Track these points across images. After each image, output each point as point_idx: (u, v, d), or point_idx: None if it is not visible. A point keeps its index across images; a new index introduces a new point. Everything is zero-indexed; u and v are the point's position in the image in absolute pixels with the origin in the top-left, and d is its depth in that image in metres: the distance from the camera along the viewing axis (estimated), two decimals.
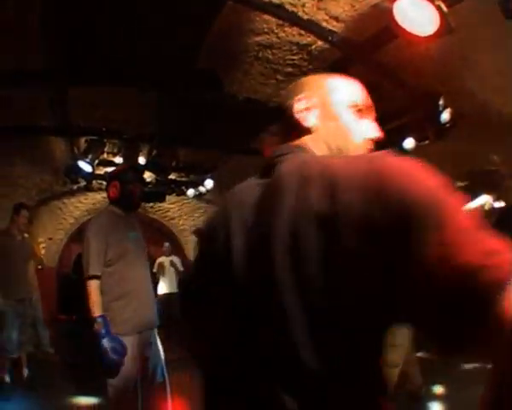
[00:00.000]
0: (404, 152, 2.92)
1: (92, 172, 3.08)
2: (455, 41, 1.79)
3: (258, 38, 2.43)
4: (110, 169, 3.51)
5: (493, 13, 1.51)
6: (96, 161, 2.97)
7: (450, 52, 1.99)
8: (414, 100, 2.34)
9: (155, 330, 2.10)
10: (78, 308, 4.50)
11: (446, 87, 2.23)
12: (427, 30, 1.41)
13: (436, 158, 3.49)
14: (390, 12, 1.41)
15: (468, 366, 3.81)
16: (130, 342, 1.82)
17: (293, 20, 1.82)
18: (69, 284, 5.20)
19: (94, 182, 3.83)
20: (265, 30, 2.35)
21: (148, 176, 3.97)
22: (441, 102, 2.17)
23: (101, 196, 4.83)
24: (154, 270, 5.75)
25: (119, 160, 3.27)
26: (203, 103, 2.95)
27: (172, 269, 5.80)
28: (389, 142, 2.88)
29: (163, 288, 5.76)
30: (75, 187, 3.92)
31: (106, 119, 2.70)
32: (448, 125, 2.31)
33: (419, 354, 4.24)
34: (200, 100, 2.90)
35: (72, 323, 5.45)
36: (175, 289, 5.77)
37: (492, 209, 5.35)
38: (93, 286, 1.83)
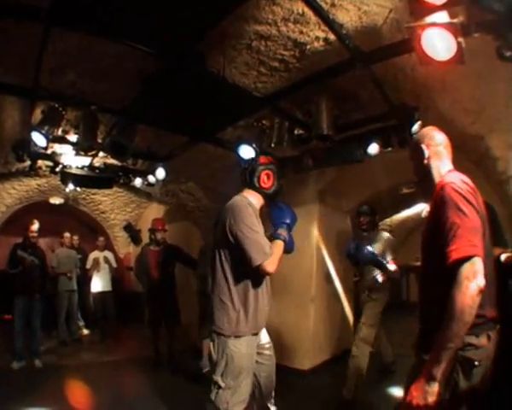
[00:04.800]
0: (368, 157, 3.25)
1: (46, 148, 2.54)
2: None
3: (258, 27, 2.37)
4: (63, 147, 2.96)
5: (482, 48, 1.80)
6: (51, 137, 2.46)
7: (431, 75, 2.31)
8: (391, 110, 2.63)
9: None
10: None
11: (419, 103, 2.57)
12: (444, 56, 1.61)
13: (392, 164, 3.89)
14: (418, 35, 1.56)
15: None
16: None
17: (322, 15, 1.84)
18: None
19: (40, 162, 3.15)
20: (269, 21, 2.31)
21: (98, 160, 3.46)
22: (416, 116, 2.50)
23: (35, 183, 4.10)
24: (88, 266, 5.11)
25: (72, 137, 2.76)
26: (180, 79, 2.70)
27: (107, 266, 5.22)
28: (355, 146, 3.17)
29: (97, 285, 5.17)
30: (14, 169, 3.16)
31: (74, 87, 2.25)
32: (414, 135, 2.67)
33: None
34: (180, 75, 2.64)
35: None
36: (109, 288, 5.21)
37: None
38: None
